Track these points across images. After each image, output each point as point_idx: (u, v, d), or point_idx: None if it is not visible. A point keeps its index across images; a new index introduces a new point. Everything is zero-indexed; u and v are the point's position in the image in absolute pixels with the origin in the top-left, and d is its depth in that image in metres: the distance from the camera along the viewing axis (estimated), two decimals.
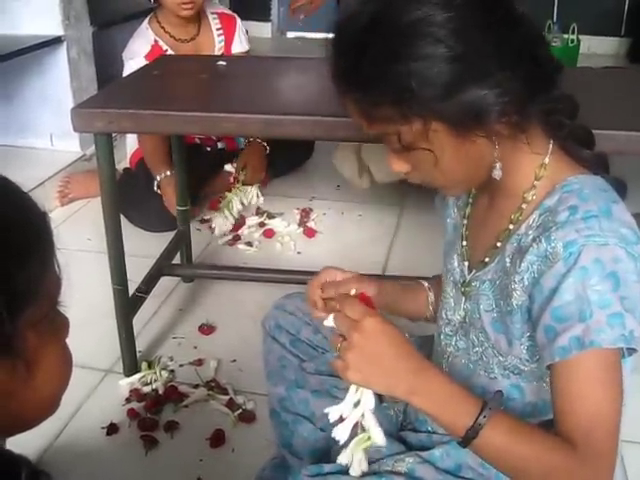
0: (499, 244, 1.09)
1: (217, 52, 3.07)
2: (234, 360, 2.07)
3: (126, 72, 2.86)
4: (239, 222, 2.90)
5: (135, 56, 2.87)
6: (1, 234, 0.69)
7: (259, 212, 3.00)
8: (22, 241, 0.72)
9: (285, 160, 3.28)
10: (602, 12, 5.64)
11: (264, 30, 6.23)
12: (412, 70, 0.91)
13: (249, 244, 2.79)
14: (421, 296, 1.38)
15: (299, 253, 2.74)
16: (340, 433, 1.04)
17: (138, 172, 3.01)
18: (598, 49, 5.67)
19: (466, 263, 1.18)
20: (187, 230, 2.50)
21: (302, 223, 2.92)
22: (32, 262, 0.72)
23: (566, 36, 4.93)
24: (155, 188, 2.77)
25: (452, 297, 1.21)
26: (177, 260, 2.49)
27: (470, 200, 1.21)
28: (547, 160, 1.04)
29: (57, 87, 3.29)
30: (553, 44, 4.93)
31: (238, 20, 3.15)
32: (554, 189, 1.01)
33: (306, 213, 3.00)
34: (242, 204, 2.67)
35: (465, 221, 1.21)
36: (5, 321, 0.68)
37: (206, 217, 2.96)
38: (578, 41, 4.95)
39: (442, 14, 0.91)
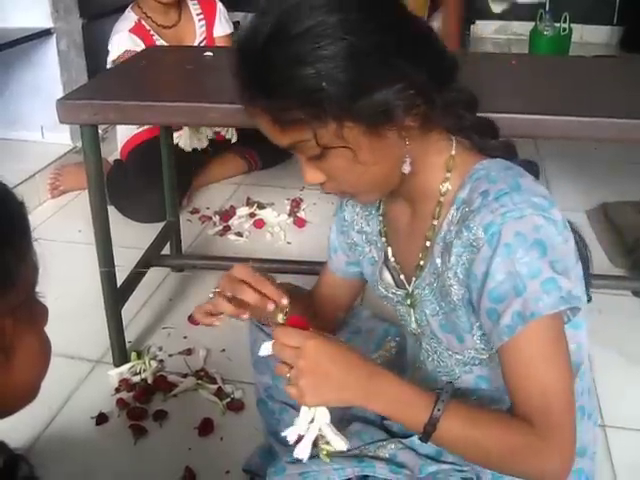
0: (428, 243, 1.10)
1: (199, 37, 3.10)
2: (223, 350, 2.08)
3: (111, 46, 2.91)
4: (229, 212, 2.91)
5: (119, 32, 2.92)
6: None
7: (249, 202, 3.01)
8: None
9: (275, 150, 3.29)
10: (594, 1, 5.64)
11: None
12: (319, 71, 0.91)
13: (239, 234, 2.79)
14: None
15: (289, 243, 2.74)
16: (301, 452, 1.04)
17: (129, 163, 3.02)
18: (590, 38, 5.67)
19: (402, 276, 1.19)
20: (177, 221, 2.51)
21: (292, 213, 2.93)
22: (7, 249, 0.72)
23: (558, 25, 4.94)
24: None
25: (405, 313, 1.22)
26: (167, 251, 2.49)
27: (380, 218, 1.22)
28: (454, 152, 1.06)
29: (47, 79, 3.29)
30: (545, 33, 4.94)
31: (219, 3, 3.17)
32: (464, 181, 1.04)
33: (296, 203, 3.00)
34: None
35: (383, 239, 1.22)
36: None
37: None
38: (570, 30, 4.96)
39: (335, 17, 0.92)
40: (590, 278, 1.14)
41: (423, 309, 1.14)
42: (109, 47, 2.93)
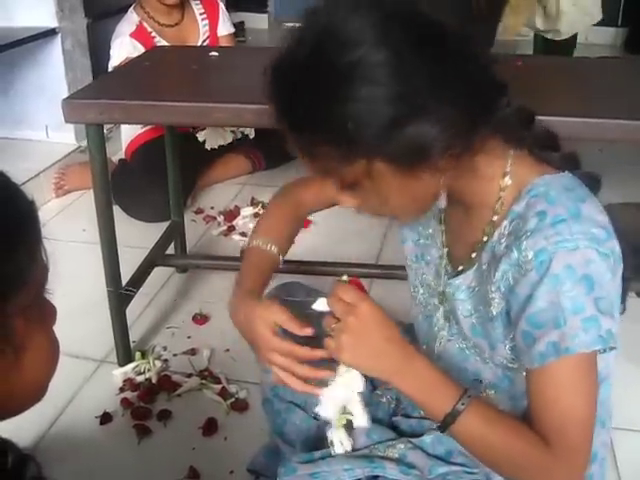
0: (474, 255, 1.09)
1: (202, 36, 3.11)
2: (227, 349, 2.08)
3: (113, 51, 2.92)
4: (234, 212, 2.91)
5: (120, 35, 2.92)
6: None
7: (254, 203, 3.00)
8: (8, 228, 0.72)
9: (279, 151, 3.27)
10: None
11: (261, 21, 6.21)
12: (348, 111, 0.88)
13: (243, 234, 2.78)
14: None
15: (293, 243, 2.73)
16: (325, 411, 1.07)
17: (133, 163, 3.02)
18: (595, 39, 5.64)
19: (443, 270, 1.18)
20: (181, 221, 2.50)
21: None
22: (19, 248, 0.72)
23: None
24: None
25: (435, 288, 1.21)
26: (171, 251, 2.49)
27: (443, 206, 1.19)
28: (509, 169, 1.03)
29: (52, 79, 3.29)
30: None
31: (220, 4, 3.19)
32: (520, 194, 1.01)
33: None
34: None
35: (442, 227, 1.20)
36: None
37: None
38: None
39: (377, 54, 0.88)
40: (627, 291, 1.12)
41: (454, 307, 1.13)
42: (111, 51, 2.94)
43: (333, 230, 2.78)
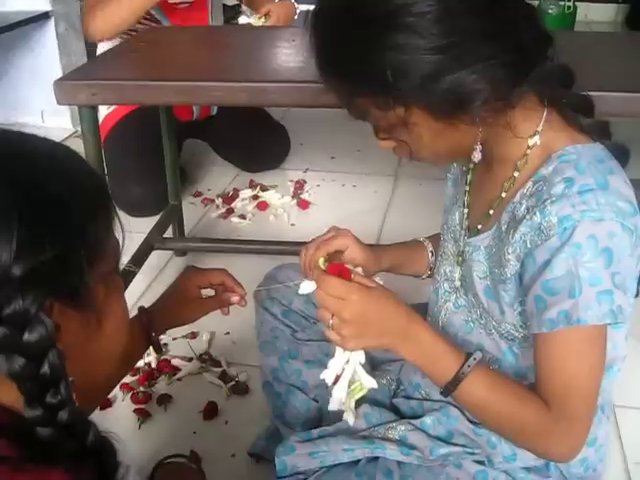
0: (491, 212, 1.08)
1: None
2: (227, 332, 2.06)
3: None
4: (232, 195, 2.89)
5: None
6: (75, 189, 0.76)
7: (252, 185, 2.98)
8: (91, 199, 0.78)
9: (262, 159, 3.16)
10: None
11: None
12: (388, 60, 0.89)
13: (242, 217, 2.77)
14: (423, 254, 1.38)
15: (293, 225, 2.72)
16: (339, 392, 1.07)
17: (111, 149, 2.65)
18: (595, 16, 5.61)
19: (463, 232, 1.17)
20: (179, 204, 2.48)
21: (296, 195, 2.90)
22: (100, 218, 0.79)
23: (562, 3, 4.88)
24: None
25: (452, 254, 1.20)
26: (170, 234, 2.47)
27: (471, 166, 1.18)
28: (540, 128, 1.01)
29: (46, 63, 3.28)
30: (549, 11, 4.89)
31: None
32: (550, 158, 0.99)
33: (300, 185, 2.97)
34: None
35: (467, 187, 1.19)
36: (86, 273, 0.74)
37: None
38: (574, 8, 4.91)
39: (421, 3, 0.87)
40: None
41: (471, 268, 1.12)
42: None
43: (333, 212, 2.76)
